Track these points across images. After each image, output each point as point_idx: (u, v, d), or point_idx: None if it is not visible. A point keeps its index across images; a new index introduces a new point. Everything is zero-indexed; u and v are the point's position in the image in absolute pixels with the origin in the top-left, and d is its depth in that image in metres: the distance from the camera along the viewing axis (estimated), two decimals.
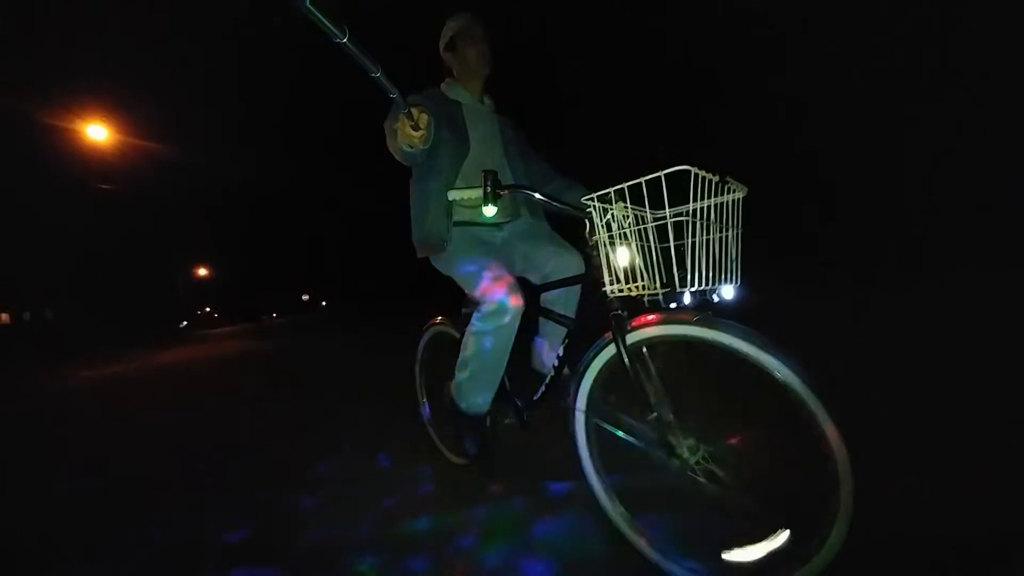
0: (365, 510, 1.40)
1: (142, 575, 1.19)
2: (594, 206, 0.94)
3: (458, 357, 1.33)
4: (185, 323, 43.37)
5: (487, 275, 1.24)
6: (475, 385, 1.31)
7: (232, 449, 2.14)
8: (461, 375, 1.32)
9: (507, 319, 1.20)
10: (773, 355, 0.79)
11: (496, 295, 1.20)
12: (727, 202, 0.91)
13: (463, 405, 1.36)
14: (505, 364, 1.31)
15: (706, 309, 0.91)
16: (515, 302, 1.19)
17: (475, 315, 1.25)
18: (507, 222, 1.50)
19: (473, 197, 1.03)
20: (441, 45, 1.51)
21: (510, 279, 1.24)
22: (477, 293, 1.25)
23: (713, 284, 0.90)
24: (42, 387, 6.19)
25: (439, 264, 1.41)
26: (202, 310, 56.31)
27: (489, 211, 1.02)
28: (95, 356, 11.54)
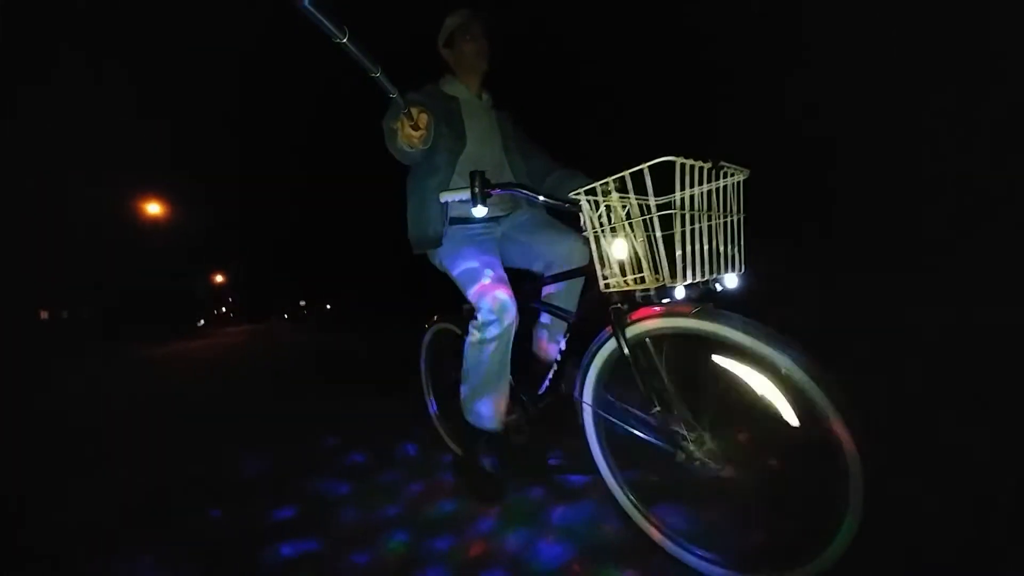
0: (394, 494, 1.47)
1: (197, 550, 1.26)
2: (584, 200, 0.91)
3: (461, 370, 1.32)
4: (203, 322, 44.66)
5: (482, 278, 1.23)
6: (480, 397, 1.29)
7: (268, 440, 2.24)
8: (465, 388, 1.32)
9: (503, 327, 1.19)
10: (775, 347, 0.77)
11: (490, 301, 1.19)
12: (726, 186, 0.87)
13: (471, 420, 1.34)
14: (508, 373, 1.29)
15: (708, 300, 0.88)
16: (509, 310, 1.19)
17: (471, 325, 1.25)
18: (505, 216, 1.48)
19: (464, 198, 1.01)
20: (440, 41, 1.50)
21: (504, 284, 1.23)
22: (472, 295, 1.24)
23: (713, 273, 0.87)
24: (100, 366, 6.84)
25: (436, 260, 1.42)
26: (219, 310, 58.02)
27: (479, 211, 1.01)
28: (133, 345, 12.81)
